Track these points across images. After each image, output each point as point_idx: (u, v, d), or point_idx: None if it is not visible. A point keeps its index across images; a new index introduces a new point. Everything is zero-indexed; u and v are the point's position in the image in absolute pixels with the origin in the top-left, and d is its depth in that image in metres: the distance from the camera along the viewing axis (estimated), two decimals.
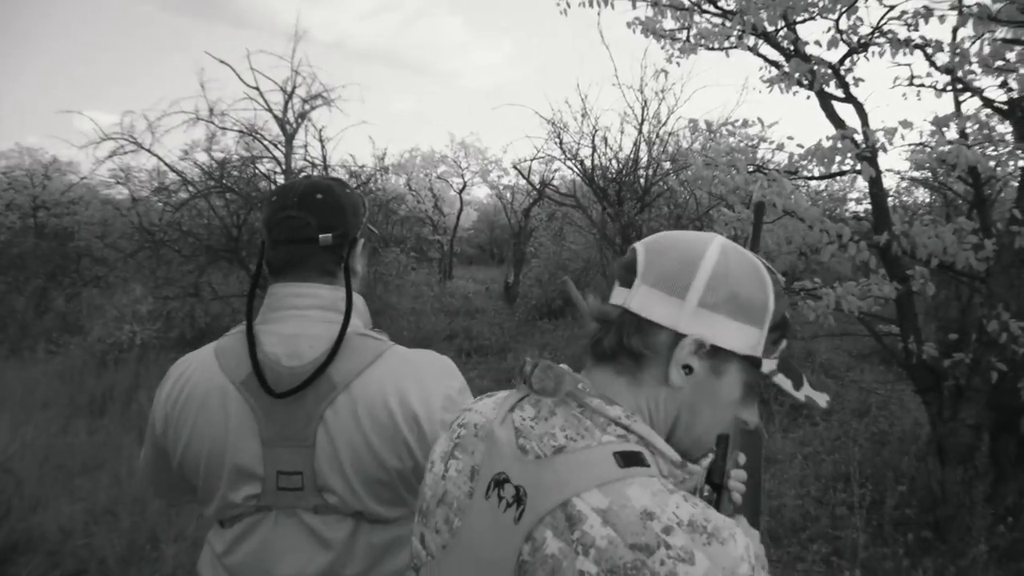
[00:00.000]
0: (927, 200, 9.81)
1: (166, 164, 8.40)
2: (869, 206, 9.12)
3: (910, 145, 4.21)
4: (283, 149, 8.90)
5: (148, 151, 8.11)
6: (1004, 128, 4.31)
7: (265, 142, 8.81)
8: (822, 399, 0.88)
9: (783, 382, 0.84)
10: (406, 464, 1.17)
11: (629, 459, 0.74)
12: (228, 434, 1.16)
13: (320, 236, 1.21)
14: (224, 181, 8.28)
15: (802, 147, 3.77)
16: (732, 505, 1.00)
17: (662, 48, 4.81)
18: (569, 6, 4.74)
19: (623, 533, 0.68)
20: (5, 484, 4.01)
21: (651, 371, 0.80)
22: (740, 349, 0.80)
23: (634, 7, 4.52)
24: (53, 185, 12.23)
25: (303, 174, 9.10)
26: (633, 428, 0.78)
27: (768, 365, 0.82)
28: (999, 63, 3.64)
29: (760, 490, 1.09)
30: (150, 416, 1.28)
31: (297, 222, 1.21)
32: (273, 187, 8.74)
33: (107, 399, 6.12)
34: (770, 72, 4.36)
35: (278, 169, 8.92)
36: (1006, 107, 3.76)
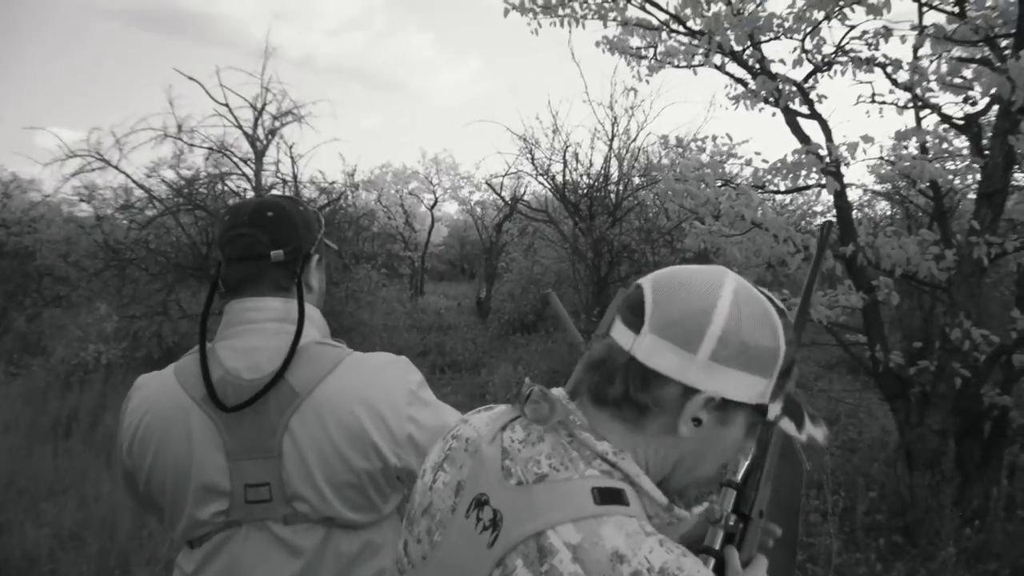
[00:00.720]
0: (888, 212, 10.09)
1: (134, 181, 8.29)
2: (834, 218, 9.31)
3: (872, 159, 4.34)
4: (253, 166, 8.84)
5: (116, 168, 8.00)
6: (961, 143, 4.47)
7: (235, 159, 8.74)
8: (820, 434, 0.88)
9: (787, 426, 0.84)
10: (375, 465, 1.18)
11: (607, 496, 0.73)
12: (192, 451, 1.16)
13: (272, 252, 1.22)
14: (193, 198, 8.19)
15: (767, 162, 3.86)
16: (758, 541, 0.94)
17: (629, 67, 4.90)
18: (540, 26, 4.81)
19: (591, 572, 0.67)
20: None
21: (655, 422, 0.78)
22: (750, 400, 0.78)
23: (605, 27, 4.61)
24: (13, 203, 11.95)
25: (274, 191, 9.04)
26: (619, 465, 0.77)
27: (774, 410, 0.82)
28: (957, 80, 3.78)
29: (796, 530, 1.02)
30: (117, 438, 1.28)
31: (249, 239, 1.22)
32: None
33: (72, 421, 5.97)
34: (736, 89, 4.47)
35: (248, 186, 8.84)
36: (963, 122, 3.90)
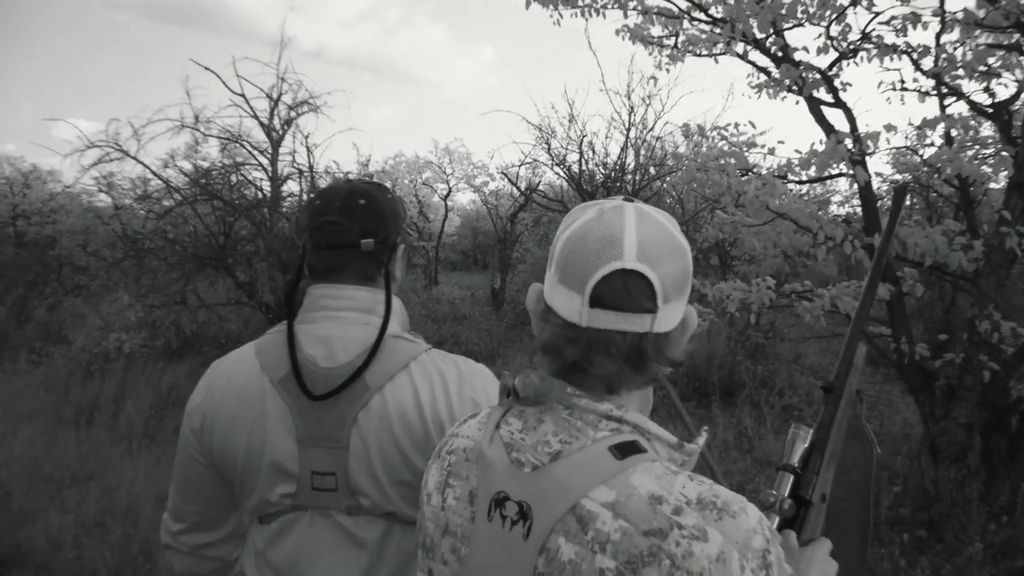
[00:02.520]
0: (908, 203, 9.95)
1: (152, 171, 8.30)
2: (851, 209, 9.20)
3: (894, 148, 4.27)
4: (269, 156, 8.84)
5: (134, 158, 8.02)
6: (987, 131, 4.39)
7: (251, 149, 8.74)
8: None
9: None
10: None
11: (625, 449, 0.74)
12: (266, 433, 1.16)
13: (362, 242, 1.21)
14: (210, 188, 8.21)
15: (799, 152, 3.80)
16: (820, 526, 0.92)
17: (650, 55, 4.85)
18: (562, 17, 4.76)
19: (635, 522, 0.68)
20: None
21: (635, 370, 0.79)
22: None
23: (625, 16, 4.55)
24: (33, 194, 12.07)
25: (289, 181, 9.05)
26: (626, 418, 0.78)
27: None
28: (982, 67, 3.71)
29: (869, 514, 1.01)
30: (184, 419, 1.27)
31: (339, 227, 1.21)
32: (260, 194, 8.69)
33: (94, 409, 6.03)
34: (758, 78, 4.41)
35: (264, 176, 8.85)
36: (991, 110, 3.83)
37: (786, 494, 0.91)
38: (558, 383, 0.80)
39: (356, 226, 1.21)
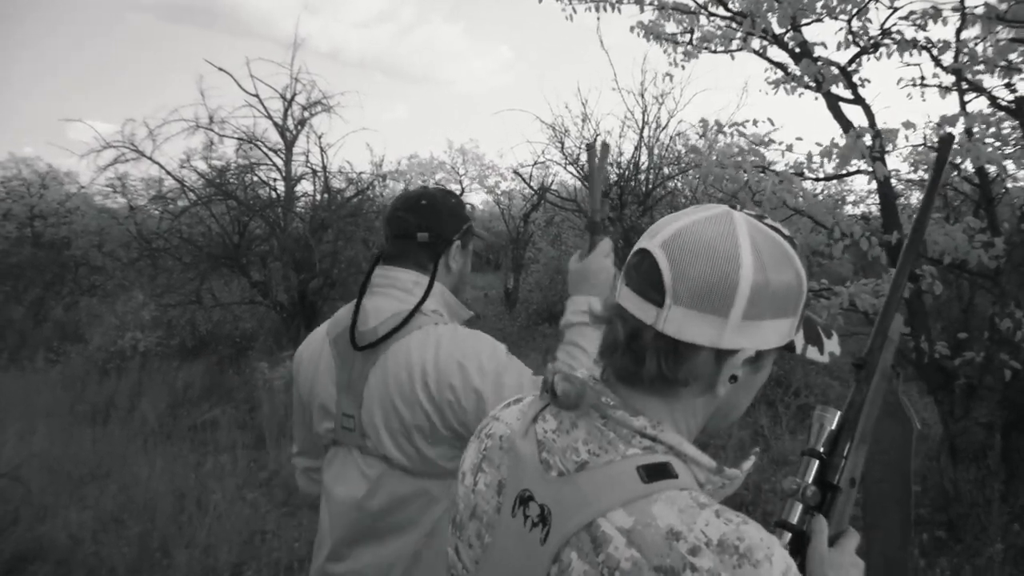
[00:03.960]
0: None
1: (167, 172, 8.36)
2: (867, 208, 9.13)
3: (913, 146, 4.22)
4: (283, 156, 8.88)
5: (149, 159, 8.08)
6: (1008, 128, 4.34)
7: (265, 149, 8.78)
8: (836, 347, 0.84)
9: (812, 353, 0.80)
10: (422, 423, 1.35)
11: (654, 473, 0.71)
12: (318, 378, 1.47)
13: (418, 234, 1.47)
14: (224, 188, 8.25)
15: (820, 144, 3.77)
16: (849, 513, 0.88)
17: (664, 52, 4.82)
18: (575, 12, 4.75)
19: (648, 555, 0.65)
20: (13, 493, 3.98)
21: (691, 389, 0.76)
22: (782, 342, 0.77)
23: (641, 10, 4.53)
24: (50, 195, 12.18)
25: (303, 181, 9.08)
26: (660, 438, 0.74)
27: (799, 340, 0.79)
28: (1003, 63, 3.66)
29: (910, 496, 0.95)
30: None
31: (403, 221, 1.49)
32: (273, 194, 8.73)
33: (110, 407, 6.08)
34: (775, 74, 4.38)
35: (278, 176, 8.89)
36: (1013, 106, 3.78)
37: (810, 480, 0.86)
38: (597, 390, 0.78)
39: (415, 221, 1.48)
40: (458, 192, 17.40)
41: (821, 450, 0.88)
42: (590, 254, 1.47)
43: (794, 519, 0.84)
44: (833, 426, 0.89)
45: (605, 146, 1.55)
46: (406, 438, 1.36)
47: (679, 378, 0.74)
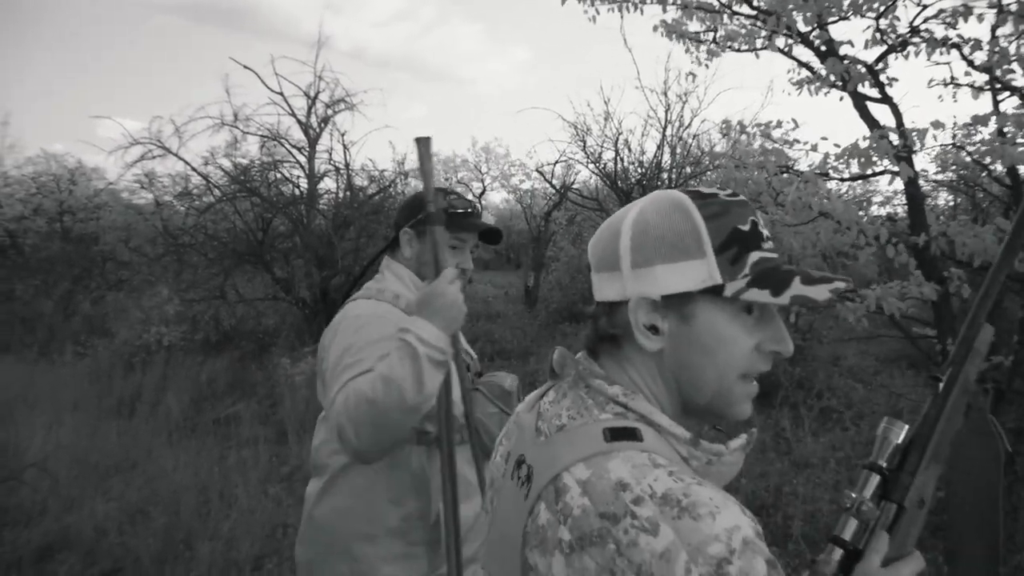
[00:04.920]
0: (951, 203, 9.71)
1: (193, 168, 8.47)
2: (892, 209, 9.00)
3: (941, 146, 4.15)
4: (306, 153, 8.95)
5: (175, 155, 8.18)
6: None
7: (288, 147, 8.86)
8: (821, 291, 0.77)
9: (757, 295, 0.76)
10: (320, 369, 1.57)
11: (618, 434, 0.75)
12: None
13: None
14: (248, 185, 8.33)
15: (839, 146, 3.73)
16: (914, 536, 0.83)
17: (687, 52, 4.78)
18: (599, 13, 4.73)
19: (596, 502, 0.69)
20: (41, 483, 4.05)
21: (629, 346, 0.82)
22: (694, 286, 0.77)
23: (664, 10, 4.50)
24: (79, 190, 12.38)
25: (326, 178, 9.14)
26: (631, 406, 0.79)
27: (735, 286, 0.77)
28: None
29: (998, 524, 0.88)
30: None
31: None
32: (297, 191, 8.80)
33: (136, 401, 6.17)
34: (800, 74, 4.33)
35: (301, 173, 8.97)
36: None
37: (868, 496, 0.82)
38: (584, 363, 0.85)
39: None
40: (480, 191, 17.47)
41: (884, 465, 0.84)
42: (435, 280, 1.50)
43: (848, 535, 0.81)
44: (899, 440, 0.85)
45: (427, 139, 1.60)
46: (321, 382, 1.57)
47: (605, 330, 0.83)
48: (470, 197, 17.77)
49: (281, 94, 8.83)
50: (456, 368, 1.62)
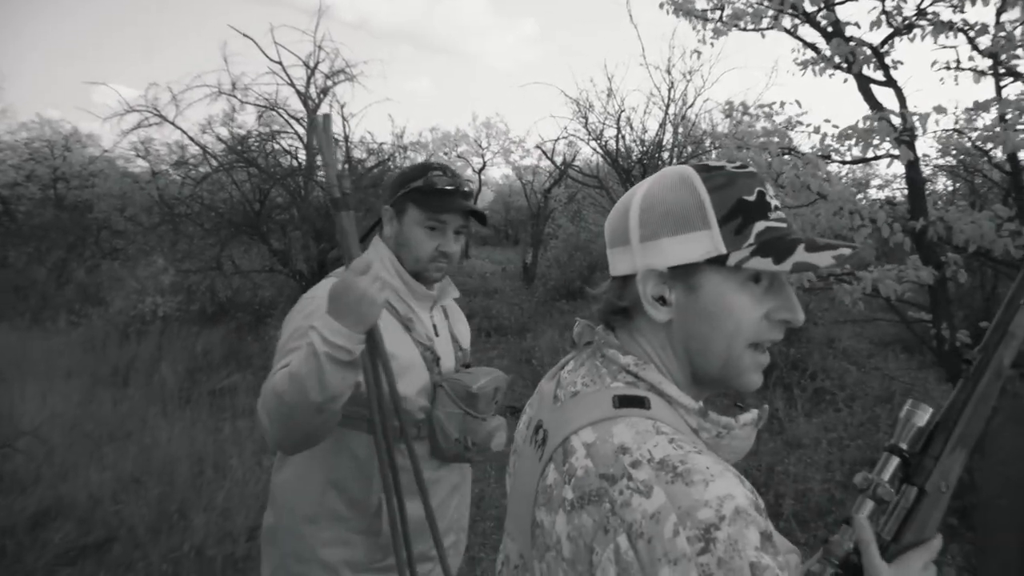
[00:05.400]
0: (950, 188, 9.69)
1: (189, 137, 8.39)
2: (892, 192, 8.98)
3: (943, 130, 4.13)
4: (304, 124, 8.87)
5: (172, 123, 8.10)
6: None
7: (287, 117, 8.78)
8: (823, 257, 0.77)
9: (760, 263, 0.77)
10: None
11: (626, 401, 0.77)
12: None
13: None
14: (246, 155, 8.27)
15: (837, 127, 3.71)
16: (936, 521, 0.82)
17: (694, 29, 4.73)
18: None
19: (597, 464, 0.72)
20: (36, 451, 4.07)
21: (640, 317, 0.85)
22: (698, 257, 0.79)
23: None
24: (73, 157, 12.28)
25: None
26: (642, 375, 0.81)
27: (739, 255, 0.78)
28: None
29: None
30: None
31: None
32: (295, 163, 8.74)
33: (130, 370, 6.18)
34: (804, 54, 4.29)
35: (299, 144, 8.90)
36: None
37: (886, 478, 0.81)
38: (601, 334, 0.88)
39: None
40: (480, 166, 17.38)
41: (904, 448, 0.83)
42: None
43: (864, 515, 0.81)
44: (923, 424, 0.84)
45: (327, 117, 1.43)
46: None
47: (616, 304, 0.86)
48: (470, 172, 17.55)
49: (280, 63, 8.74)
50: (424, 361, 1.58)
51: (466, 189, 1.67)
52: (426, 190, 1.61)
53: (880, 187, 10.73)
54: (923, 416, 0.84)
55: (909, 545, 0.80)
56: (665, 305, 0.82)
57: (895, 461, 0.83)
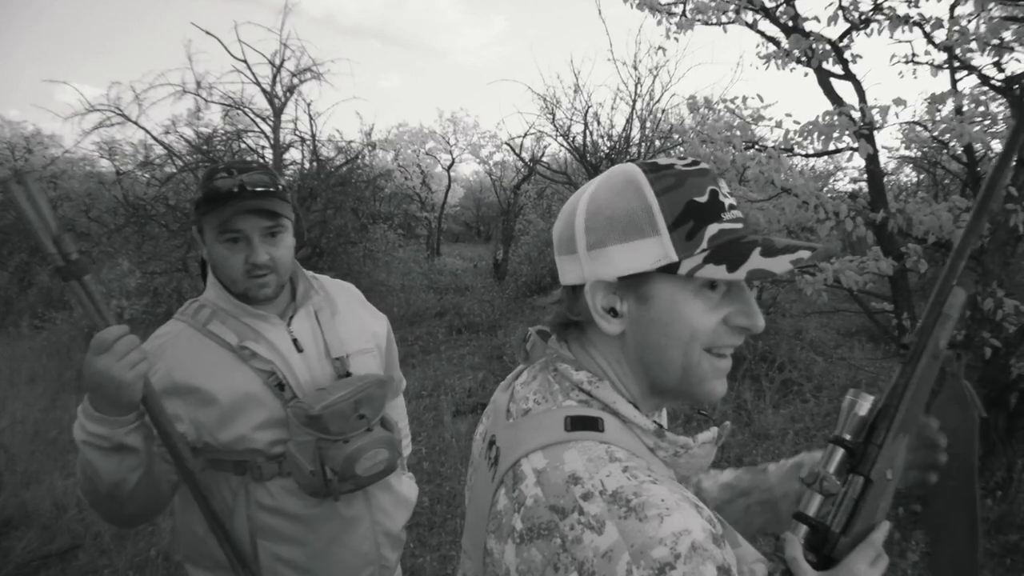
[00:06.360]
0: (915, 179, 9.89)
1: (153, 137, 8.25)
2: (857, 186, 9.15)
3: (904, 123, 4.21)
4: (271, 123, 8.77)
5: (135, 123, 7.96)
6: (997, 107, 4.33)
7: (253, 116, 8.67)
8: (780, 263, 0.73)
9: (713, 272, 0.72)
10: None
11: (578, 423, 0.74)
12: None
13: None
14: (211, 155, 8.16)
15: (799, 123, 3.76)
16: (883, 510, 0.81)
17: (658, 23, 4.76)
18: None
19: (547, 494, 0.68)
20: None
21: (592, 330, 0.81)
22: (648, 266, 0.74)
23: None
24: (35, 158, 12.02)
25: (292, 149, 8.99)
26: (595, 394, 0.77)
27: (691, 263, 0.73)
28: (995, 41, 3.64)
29: (975, 493, 0.85)
30: None
31: None
32: (261, 162, 8.62)
33: None
34: (767, 48, 4.34)
35: (266, 143, 8.80)
36: (1003, 85, 3.77)
37: (832, 471, 0.80)
38: (554, 346, 0.84)
39: None
40: (448, 162, 17.32)
41: (847, 438, 0.82)
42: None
43: (812, 511, 0.79)
44: (864, 412, 0.83)
45: (25, 175, 1.18)
46: None
47: (565, 317, 0.82)
48: (439, 170, 17.38)
49: (245, 62, 8.61)
50: (268, 390, 1.39)
51: (260, 188, 1.37)
52: (210, 199, 1.36)
53: (853, 181, 10.91)
54: (864, 405, 0.83)
55: (859, 536, 0.79)
56: (617, 317, 0.77)
57: (840, 452, 0.82)
